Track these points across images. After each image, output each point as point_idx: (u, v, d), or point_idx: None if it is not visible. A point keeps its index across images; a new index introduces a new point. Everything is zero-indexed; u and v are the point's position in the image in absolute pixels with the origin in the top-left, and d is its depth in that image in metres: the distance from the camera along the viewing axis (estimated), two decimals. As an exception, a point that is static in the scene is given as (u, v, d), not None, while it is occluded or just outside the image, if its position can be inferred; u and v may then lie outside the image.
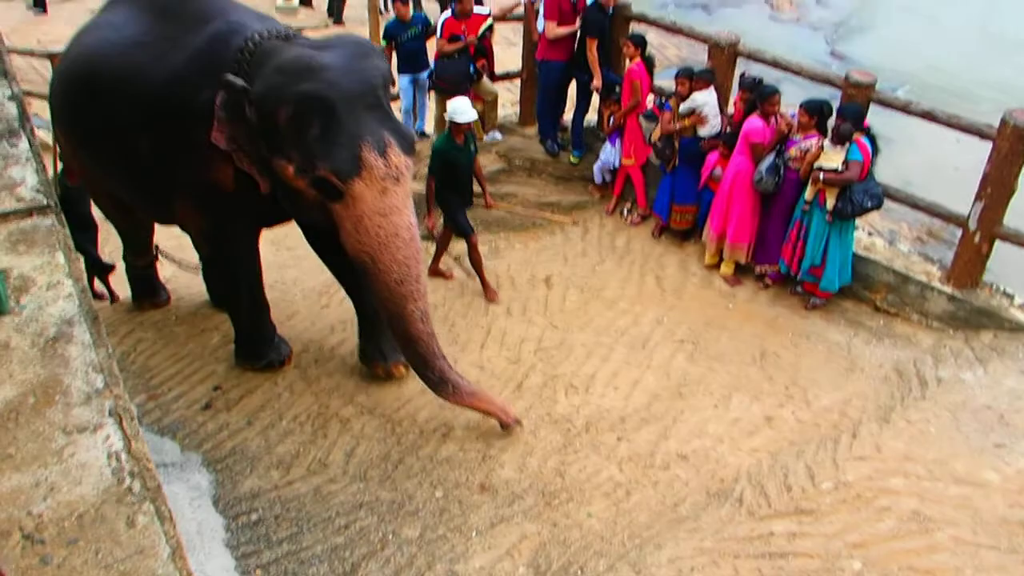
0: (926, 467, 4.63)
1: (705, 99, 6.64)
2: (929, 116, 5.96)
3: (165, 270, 6.97)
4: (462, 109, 6.23)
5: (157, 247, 6.51)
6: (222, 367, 5.87)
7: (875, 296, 6.33)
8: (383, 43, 7.93)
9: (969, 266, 5.96)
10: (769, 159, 6.18)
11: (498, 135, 8.35)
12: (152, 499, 2.30)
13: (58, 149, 6.27)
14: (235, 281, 5.54)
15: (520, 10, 8.33)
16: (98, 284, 6.80)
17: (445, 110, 6.92)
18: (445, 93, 7.63)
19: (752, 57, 6.78)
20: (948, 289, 6.02)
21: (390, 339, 5.69)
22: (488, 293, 6.58)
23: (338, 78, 4.38)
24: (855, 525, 4.31)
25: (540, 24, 7.59)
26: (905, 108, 6.15)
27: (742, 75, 6.68)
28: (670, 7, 17.05)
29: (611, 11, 7.30)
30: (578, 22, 7.36)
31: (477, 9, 7.73)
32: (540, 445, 5.17)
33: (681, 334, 6.11)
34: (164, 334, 6.28)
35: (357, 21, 13.26)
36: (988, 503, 4.35)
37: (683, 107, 6.71)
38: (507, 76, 8.60)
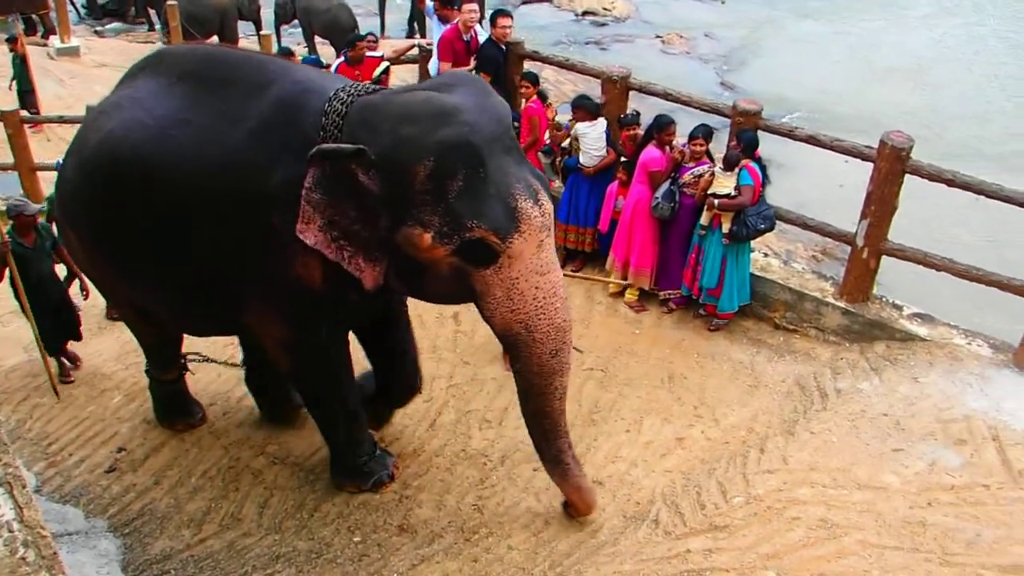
0: (830, 475, 4.79)
1: (583, 130, 6.79)
2: (813, 140, 6.24)
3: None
4: None
5: (185, 356, 5.65)
6: (125, 427, 5.69)
7: (774, 314, 6.54)
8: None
9: (859, 281, 6.22)
10: (664, 186, 6.36)
11: None
12: (48, 567, 2.22)
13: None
14: (328, 397, 4.80)
15: (414, 52, 8.42)
16: (70, 346, 6.40)
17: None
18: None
19: (643, 90, 6.95)
20: (841, 304, 6.25)
21: None
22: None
23: (476, 119, 3.75)
24: (767, 536, 4.42)
25: (433, 65, 7.68)
26: (790, 134, 6.43)
27: (619, 116, 6.84)
28: (568, 45, 17.43)
29: (505, 49, 7.44)
30: (472, 62, 7.47)
31: (370, 54, 7.78)
32: (457, 482, 5.16)
33: (590, 362, 6.19)
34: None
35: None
36: (890, 505, 4.52)
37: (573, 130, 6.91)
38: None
